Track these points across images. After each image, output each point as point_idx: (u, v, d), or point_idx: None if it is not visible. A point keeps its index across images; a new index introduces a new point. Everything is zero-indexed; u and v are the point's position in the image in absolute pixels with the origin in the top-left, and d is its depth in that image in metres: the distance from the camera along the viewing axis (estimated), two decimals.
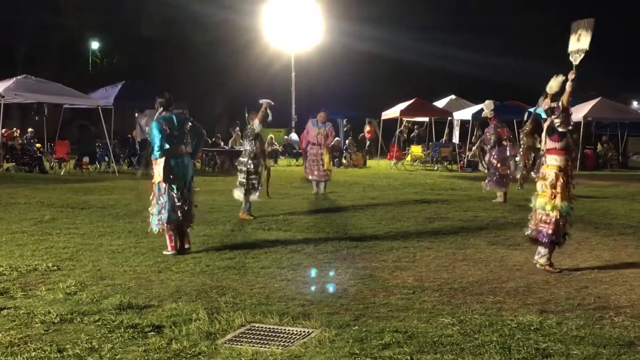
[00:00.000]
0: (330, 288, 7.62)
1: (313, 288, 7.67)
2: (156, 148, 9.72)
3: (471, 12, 50.74)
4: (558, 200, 8.74)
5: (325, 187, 18.05)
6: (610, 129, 35.97)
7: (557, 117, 8.78)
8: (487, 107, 17.38)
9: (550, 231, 8.76)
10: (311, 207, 15.48)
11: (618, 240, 11.26)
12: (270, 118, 13.66)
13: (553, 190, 8.74)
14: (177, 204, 9.80)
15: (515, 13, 50.05)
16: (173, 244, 9.74)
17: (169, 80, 41.47)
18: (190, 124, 10.04)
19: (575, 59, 9.08)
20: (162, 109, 9.91)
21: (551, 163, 8.86)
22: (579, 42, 9.15)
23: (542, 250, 8.88)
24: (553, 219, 8.76)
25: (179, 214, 9.81)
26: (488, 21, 50.04)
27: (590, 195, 18.21)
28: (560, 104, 8.83)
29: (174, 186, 9.81)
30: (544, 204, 8.81)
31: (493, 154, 16.74)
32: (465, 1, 52.64)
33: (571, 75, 8.92)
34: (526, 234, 9.18)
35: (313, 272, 8.40)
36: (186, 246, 9.87)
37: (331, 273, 8.29)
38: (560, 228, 8.81)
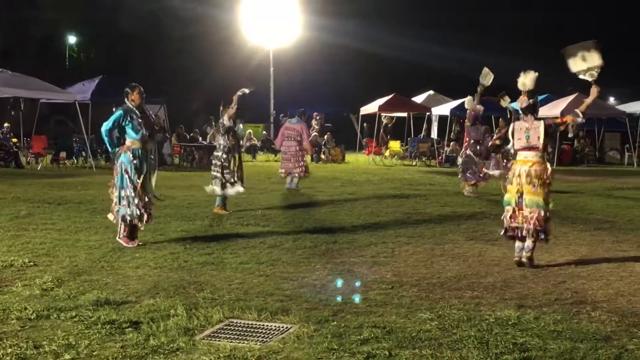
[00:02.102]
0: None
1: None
2: None
3: (449, 8, 50.95)
4: (542, 197, 8.82)
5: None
6: (587, 124, 36.16)
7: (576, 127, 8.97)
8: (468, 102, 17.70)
9: (538, 226, 8.81)
10: (289, 202, 15.46)
11: (595, 235, 11.34)
12: (235, 106, 13.51)
13: (537, 188, 8.80)
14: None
15: (493, 10, 50.28)
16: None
17: (147, 75, 41.24)
18: (115, 116, 10.04)
19: (593, 75, 9.20)
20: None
21: (533, 159, 8.89)
22: (587, 62, 9.25)
23: (530, 244, 8.88)
24: (542, 214, 8.81)
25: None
26: (466, 18, 50.33)
27: (567, 191, 18.34)
28: (581, 113, 8.96)
29: None
30: (536, 201, 8.83)
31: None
32: None
33: (596, 89, 9.06)
34: (506, 231, 9.16)
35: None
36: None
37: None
38: (547, 223, 8.87)
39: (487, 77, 16.91)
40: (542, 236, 8.86)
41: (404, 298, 7.19)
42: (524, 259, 8.82)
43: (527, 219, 8.83)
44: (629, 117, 32.65)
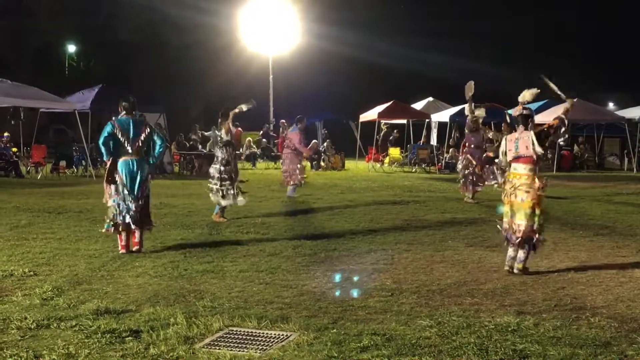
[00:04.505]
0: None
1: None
2: (101, 149, 10.19)
3: (448, 17, 51.06)
4: (537, 209, 8.80)
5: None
6: (587, 130, 36.24)
7: (562, 136, 8.95)
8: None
9: (533, 238, 8.79)
10: (289, 210, 15.46)
11: (594, 241, 11.34)
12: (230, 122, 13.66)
13: (531, 200, 8.77)
14: (126, 205, 9.98)
15: (492, 18, 50.39)
16: (123, 244, 9.97)
17: (146, 83, 41.32)
18: (149, 129, 10.17)
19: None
20: (124, 112, 10.19)
21: (522, 172, 8.88)
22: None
23: (521, 255, 8.88)
24: (535, 226, 8.80)
25: (127, 216, 9.96)
26: (465, 26, 50.43)
27: (566, 197, 18.35)
28: (563, 116, 9.01)
29: (120, 188, 10.01)
30: (523, 212, 8.81)
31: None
32: (441, 6, 52.98)
33: (571, 101, 9.12)
34: (505, 240, 9.15)
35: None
36: (134, 248, 9.98)
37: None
38: (537, 234, 8.85)
39: (469, 89, 17.09)
40: (528, 247, 8.84)
41: (404, 305, 7.20)
42: (515, 270, 8.83)
43: (516, 229, 8.85)
44: (628, 123, 32.64)
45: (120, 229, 9.98)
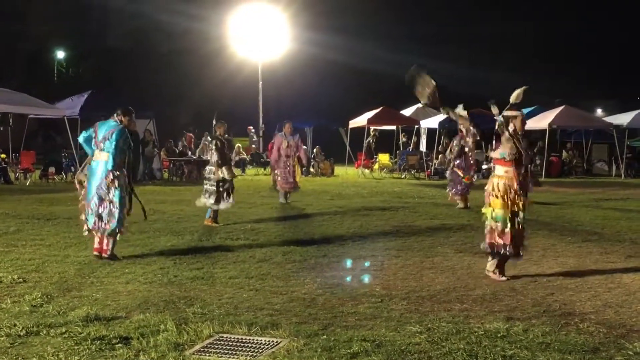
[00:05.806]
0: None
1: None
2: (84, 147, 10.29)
3: (437, 23, 51.25)
4: (501, 211, 8.74)
5: (289, 196, 18.20)
6: (575, 136, 36.39)
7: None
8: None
9: (505, 243, 8.75)
10: (279, 216, 15.47)
11: (583, 246, 11.38)
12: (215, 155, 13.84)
13: (502, 202, 8.74)
14: (94, 208, 9.93)
15: (483, 24, 50.59)
16: (95, 246, 9.98)
17: (135, 89, 41.26)
18: (116, 131, 9.94)
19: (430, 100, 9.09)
20: (114, 115, 10.18)
21: (499, 174, 8.88)
22: (427, 88, 9.21)
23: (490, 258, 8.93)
24: (508, 231, 8.75)
25: (95, 219, 9.92)
26: (455, 32, 50.63)
27: (555, 202, 18.40)
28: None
29: (89, 190, 9.99)
30: (494, 214, 8.81)
31: (457, 162, 17.03)
32: (430, 12, 53.17)
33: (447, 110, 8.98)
34: (482, 247, 9.20)
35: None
36: (103, 254, 9.87)
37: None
38: (514, 240, 8.75)
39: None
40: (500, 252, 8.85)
41: (394, 311, 7.21)
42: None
43: None
44: (616, 129, 32.79)
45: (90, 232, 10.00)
